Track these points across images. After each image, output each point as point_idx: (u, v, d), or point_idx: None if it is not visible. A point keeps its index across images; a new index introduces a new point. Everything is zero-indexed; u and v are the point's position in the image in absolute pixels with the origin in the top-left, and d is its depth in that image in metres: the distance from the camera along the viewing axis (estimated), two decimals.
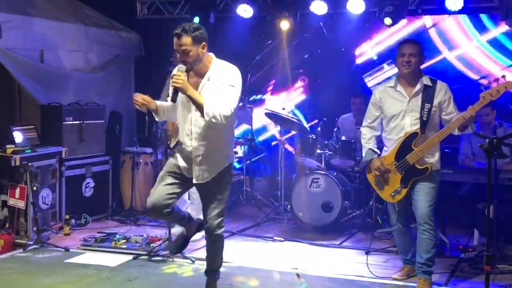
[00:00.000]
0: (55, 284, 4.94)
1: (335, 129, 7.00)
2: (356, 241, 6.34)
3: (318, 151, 6.83)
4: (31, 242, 5.99)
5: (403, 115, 4.76)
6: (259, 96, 8.54)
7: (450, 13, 6.94)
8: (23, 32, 6.64)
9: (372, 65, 8.10)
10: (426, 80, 4.77)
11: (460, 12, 6.81)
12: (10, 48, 6.51)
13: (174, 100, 4.12)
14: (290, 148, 7.98)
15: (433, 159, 4.74)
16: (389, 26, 6.91)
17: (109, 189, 7.43)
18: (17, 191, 6.11)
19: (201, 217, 4.64)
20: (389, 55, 7.86)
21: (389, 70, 7.93)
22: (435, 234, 4.75)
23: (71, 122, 6.84)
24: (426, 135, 4.68)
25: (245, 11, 7.64)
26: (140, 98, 4.25)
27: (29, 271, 5.29)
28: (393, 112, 4.81)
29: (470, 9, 6.93)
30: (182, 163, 4.25)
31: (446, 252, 5.74)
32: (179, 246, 4.64)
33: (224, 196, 4.27)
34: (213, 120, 3.98)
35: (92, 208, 7.08)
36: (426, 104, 4.68)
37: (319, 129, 6.91)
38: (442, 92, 4.72)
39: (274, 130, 8.37)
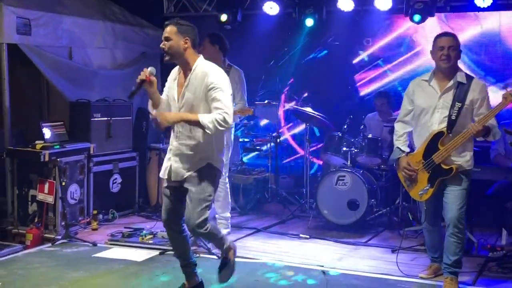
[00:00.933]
0: (83, 278, 5.01)
1: (362, 127, 6.98)
2: (383, 239, 6.30)
3: (344, 148, 6.81)
4: (60, 237, 6.08)
5: (432, 111, 4.64)
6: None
7: (479, 10, 6.85)
8: (51, 29, 6.72)
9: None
10: (460, 77, 4.60)
11: (488, 9, 6.72)
12: (39, 45, 6.60)
13: (131, 97, 4.23)
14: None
15: (462, 159, 4.60)
16: (418, 23, 6.83)
17: (135, 185, 7.50)
18: (46, 186, 6.19)
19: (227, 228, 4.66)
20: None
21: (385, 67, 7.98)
22: (463, 237, 4.66)
23: (99, 119, 6.91)
24: (453, 135, 4.54)
25: (271, 8, 7.65)
26: (146, 73, 4.18)
27: (57, 265, 5.36)
28: (423, 107, 4.68)
29: (499, 6, 6.82)
30: (164, 163, 4.33)
31: (474, 251, 5.68)
32: (227, 274, 4.49)
33: (204, 196, 4.16)
34: (220, 128, 4.01)
35: (118, 204, 7.16)
36: (457, 103, 4.53)
37: (345, 126, 6.89)
38: (475, 90, 4.56)
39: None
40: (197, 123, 4.02)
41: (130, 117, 7.40)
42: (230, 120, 4.03)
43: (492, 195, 6.00)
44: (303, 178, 7.48)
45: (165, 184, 4.33)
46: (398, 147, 4.87)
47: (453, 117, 4.54)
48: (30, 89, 7.46)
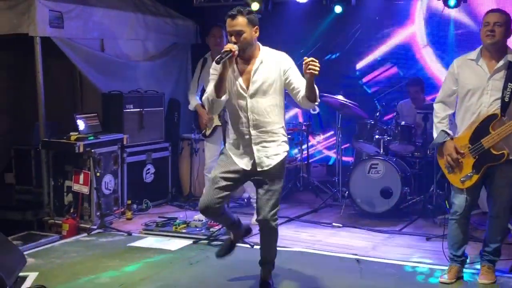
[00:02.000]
0: (119, 267, 5.07)
1: (394, 114, 6.91)
2: (416, 227, 6.24)
3: (377, 136, 6.75)
4: (95, 227, 6.18)
5: (480, 92, 4.35)
6: None
7: None
8: (83, 21, 6.78)
9: None
10: (511, 56, 4.31)
11: None
12: (71, 38, 6.67)
13: (218, 62, 3.84)
14: None
15: (509, 146, 4.33)
16: (453, 7, 6.70)
17: (168, 175, 7.55)
18: (81, 177, 6.28)
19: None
20: None
21: None
22: (507, 226, 4.54)
23: (131, 110, 6.97)
24: (507, 118, 4.29)
25: None
26: (233, 47, 3.93)
27: (93, 254, 5.45)
28: (469, 87, 4.39)
29: None
30: (237, 158, 4.17)
31: (510, 238, 5.58)
32: (225, 252, 4.61)
33: (279, 186, 4.16)
34: (315, 106, 4.05)
35: (152, 194, 7.22)
36: (509, 84, 4.26)
37: (377, 114, 6.83)
38: None
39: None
40: (314, 92, 3.93)
41: (162, 108, 7.45)
42: None
43: None
44: (335, 167, 7.44)
45: (222, 173, 4.15)
46: (443, 130, 4.54)
47: (506, 99, 4.27)
48: (63, 82, 7.57)
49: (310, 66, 3.77)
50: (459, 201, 4.55)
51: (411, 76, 7.69)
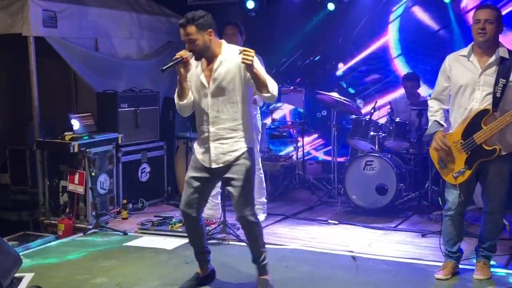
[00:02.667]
0: (115, 267, 5.07)
1: (389, 110, 6.92)
2: (412, 223, 6.25)
3: (372, 133, 6.76)
4: (91, 227, 6.17)
5: (472, 88, 4.37)
6: None
7: None
8: (77, 21, 6.78)
9: None
10: (503, 52, 4.30)
11: None
12: (65, 37, 6.66)
13: (163, 70, 3.98)
14: None
15: (504, 141, 4.36)
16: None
17: (164, 174, 7.54)
18: (76, 176, 6.27)
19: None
20: None
21: None
22: (502, 222, 4.55)
23: (126, 109, 6.95)
24: (499, 113, 4.28)
25: None
26: (186, 53, 4.06)
27: (89, 254, 5.44)
28: (461, 83, 4.39)
29: None
30: (199, 154, 4.23)
31: (506, 233, 5.60)
32: (189, 285, 4.49)
33: (246, 182, 4.15)
34: (271, 98, 4.02)
35: (148, 193, 7.21)
36: (501, 79, 4.27)
37: (372, 110, 6.84)
38: None
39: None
40: (262, 83, 3.95)
41: (157, 107, 7.43)
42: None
43: None
44: (331, 164, 7.45)
45: (192, 174, 4.27)
46: (436, 121, 4.56)
47: (498, 95, 4.27)
48: (57, 82, 7.57)
49: (243, 56, 3.83)
50: (452, 197, 4.55)
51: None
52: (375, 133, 6.75)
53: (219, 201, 6.29)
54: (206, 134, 4.18)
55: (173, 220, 6.19)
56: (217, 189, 6.36)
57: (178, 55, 4.04)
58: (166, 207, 7.24)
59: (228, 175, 4.17)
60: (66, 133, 6.36)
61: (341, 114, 7.43)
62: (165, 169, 7.54)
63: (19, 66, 6.91)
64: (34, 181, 6.77)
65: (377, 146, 6.74)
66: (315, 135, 8.51)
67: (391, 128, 6.73)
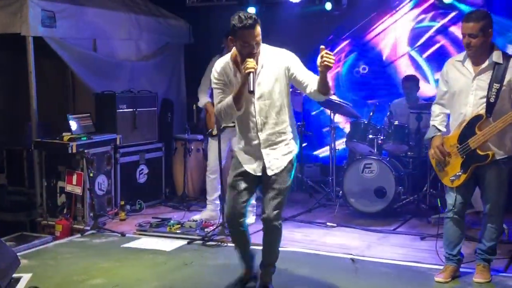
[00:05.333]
0: (113, 268, 5.04)
1: (388, 113, 6.92)
2: (411, 227, 6.24)
3: (370, 136, 6.75)
4: (88, 228, 6.15)
5: (466, 93, 4.40)
6: None
7: None
8: (76, 21, 6.76)
9: None
10: (496, 57, 4.32)
11: None
12: (64, 38, 6.64)
13: (251, 91, 3.84)
14: None
15: (502, 145, 4.39)
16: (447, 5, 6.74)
17: (162, 176, 7.52)
18: (74, 177, 6.25)
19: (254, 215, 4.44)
20: None
21: None
22: (502, 224, 4.56)
23: (124, 110, 6.94)
24: (493, 119, 4.31)
25: None
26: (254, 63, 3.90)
27: (87, 255, 5.41)
28: (456, 88, 4.43)
29: None
30: (247, 162, 4.13)
31: (505, 237, 5.59)
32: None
33: (286, 186, 4.11)
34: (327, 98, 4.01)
35: (145, 194, 7.19)
36: (495, 84, 4.28)
37: (371, 113, 6.84)
38: None
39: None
40: (327, 84, 3.85)
41: (156, 108, 7.42)
42: None
43: None
44: (329, 167, 7.44)
45: (238, 176, 4.13)
46: (434, 125, 4.61)
47: (492, 100, 4.30)
48: (55, 82, 7.55)
49: (325, 59, 3.70)
50: (451, 199, 4.60)
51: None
52: (373, 136, 6.74)
53: (219, 203, 6.27)
54: (256, 141, 4.07)
55: (171, 221, 6.17)
56: (218, 192, 6.35)
57: (251, 68, 3.84)
58: (164, 208, 7.22)
59: (271, 176, 4.09)
60: (64, 134, 6.34)
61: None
62: (163, 170, 7.52)
63: (17, 66, 6.88)
64: (31, 181, 6.74)
65: (375, 149, 6.73)
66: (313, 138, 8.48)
67: (390, 131, 6.73)
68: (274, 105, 4.04)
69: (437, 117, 4.65)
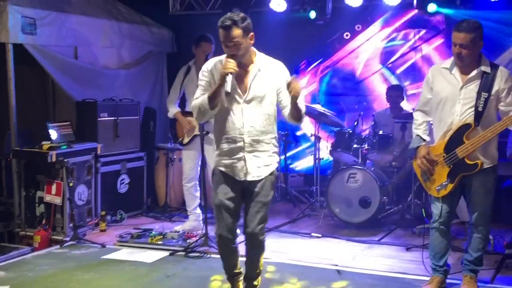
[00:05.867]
0: (93, 280, 4.92)
1: (372, 123, 6.89)
2: (396, 237, 6.20)
3: (355, 145, 6.71)
4: (68, 239, 6.01)
5: (453, 102, 4.35)
6: None
7: (493, 8, 6.67)
8: (57, 28, 6.63)
9: None
10: (484, 66, 4.31)
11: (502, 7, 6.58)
12: (44, 45, 6.52)
13: (228, 93, 3.79)
14: None
15: (488, 154, 4.37)
16: (432, 14, 6.74)
17: (143, 186, 7.40)
18: (54, 187, 6.10)
19: None
20: None
21: None
22: (488, 234, 4.52)
23: (106, 118, 6.82)
24: (481, 128, 4.29)
25: (278, 5, 7.56)
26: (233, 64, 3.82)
27: (66, 267, 5.28)
28: (442, 96, 4.38)
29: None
30: (228, 167, 4.03)
31: (490, 247, 5.56)
32: None
33: (269, 200, 4.05)
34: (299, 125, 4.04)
35: (126, 205, 7.06)
36: (483, 93, 4.26)
37: (356, 123, 6.80)
38: (502, 79, 4.29)
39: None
40: (299, 111, 3.91)
41: (138, 117, 7.31)
42: None
43: (506, 190, 5.90)
44: (313, 177, 7.38)
45: (223, 196, 4.02)
46: (418, 135, 4.55)
47: (480, 109, 4.27)
48: (35, 90, 7.41)
49: (294, 90, 3.74)
50: (436, 209, 4.54)
51: None
52: (358, 146, 6.70)
53: (201, 213, 6.18)
54: (240, 144, 3.97)
55: (153, 232, 6.06)
56: (197, 201, 6.28)
57: (230, 69, 3.78)
58: (145, 219, 7.10)
59: (253, 188, 4.01)
60: (44, 142, 6.20)
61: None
62: (144, 180, 7.40)
63: None
64: (10, 191, 6.58)
65: (360, 158, 6.69)
66: (299, 147, 8.43)
67: (374, 141, 6.69)
68: (263, 112, 3.98)
69: (420, 126, 4.60)
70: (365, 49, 7.97)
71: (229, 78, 3.80)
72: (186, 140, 6.21)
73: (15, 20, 6.11)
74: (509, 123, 4.21)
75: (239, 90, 3.95)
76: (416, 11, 7.30)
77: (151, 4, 8.28)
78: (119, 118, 6.95)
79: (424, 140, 4.54)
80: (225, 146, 4.03)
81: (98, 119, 6.72)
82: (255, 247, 4.16)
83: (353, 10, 7.40)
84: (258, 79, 3.96)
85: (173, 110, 6.39)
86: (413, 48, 7.72)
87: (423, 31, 7.64)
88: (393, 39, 7.85)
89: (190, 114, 5.89)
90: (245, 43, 3.85)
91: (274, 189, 4.14)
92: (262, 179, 4.01)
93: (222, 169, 4.06)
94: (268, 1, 7.61)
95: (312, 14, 7.33)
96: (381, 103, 7.62)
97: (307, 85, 8.22)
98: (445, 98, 4.40)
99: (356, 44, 7.98)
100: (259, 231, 4.04)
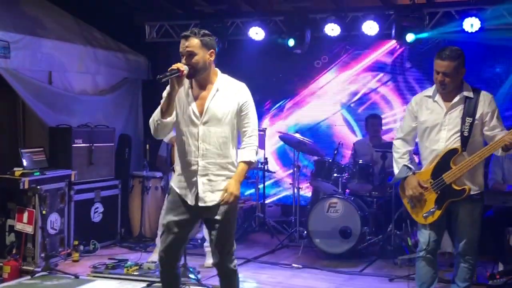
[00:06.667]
0: None
1: (352, 152, 6.85)
2: (377, 268, 6.11)
3: (335, 175, 6.64)
4: (39, 269, 5.74)
5: (438, 128, 4.33)
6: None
7: (468, 34, 6.78)
8: (31, 52, 6.46)
9: None
10: (467, 92, 4.33)
11: (478, 33, 6.67)
12: (18, 69, 6.34)
13: (160, 79, 3.64)
14: None
15: (475, 181, 4.32)
16: (410, 44, 6.81)
17: (118, 215, 7.18)
18: (25, 215, 5.84)
19: None
20: None
21: None
22: (475, 263, 4.44)
23: (80, 145, 6.64)
24: (468, 153, 4.25)
25: (256, 33, 7.54)
26: (183, 67, 3.72)
27: None
28: (427, 125, 4.37)
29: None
30: (182, 189, 3.88)
31: (473, 279, 5.50)
32: None
33: (231, 226, 3.91)
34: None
35: (100, 234, 6.82)
36: (467, 118, 4.25)
37: (335, 152, 6.74)
38: (484, 103, 4.28)
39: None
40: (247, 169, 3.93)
41: (113, 144, 7.13)
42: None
43: (489, 220, 5.86)
44: (290, 207, 7.27)
45: (172, 217, 3.88)
46: (405, 165, 4.47)
47: (466, 134, 4.25)
48: (5, 115, 7.17)
49: (226, 199, 3.78)
50: (423, 237, 4.44)
51: None
52: (338, 175, 6.63)
53: None
54: (194, 167, 3.83)
55: (129, 263, 5.83)
56: None
57: (174, 66, 3.69)
58: (119, 249, 6.87)
59: (211, 216, 3.85)
60: (15, 169, 5.97)
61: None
62: (119, 209, 7.19)
63: None
64: None
65: (340, 188, 6.62)
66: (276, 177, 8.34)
67: (354, 170, 6.64)
68: (220, 135, 3.84)
69: (404, 155, 4.52)
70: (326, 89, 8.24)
71: (170, 73, 3.66)
72: None
73: None
74: (496, 147, 4.18)
75: (197, 111, 3.83)
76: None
77: (127, 31, 8.16)
78: (94, 144, 6.77)
79: (410, 169, 4.46)
80: (181, 169, 3.91)
81: (73, 145, 6.54)
82: (228, 278, 3.99)
83: (331, 39, 7.43)
84: (216, 100, 3.84)
85: (169, 134, 6.22)
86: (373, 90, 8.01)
87: (381, 74, 7.97)
88: (353, 81, 8.16)
89: None
90: (202, 55, 3.75)
91: (235, 214, 3.95)
92: (219, 205, 3.83)
93: (177, 190, 3.93)
94: (246, 30, 7.59)
95: (291, 42, 7.31)
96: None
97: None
98: (431, 126, 4.38)
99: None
100: (227, 258, 3.89)
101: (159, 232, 6.08)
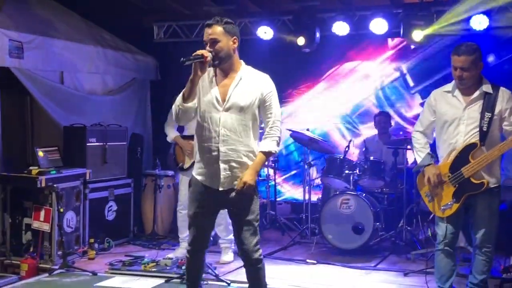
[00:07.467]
0: None
1: (363, 149, 6.91)
2: (391, 263, 6.16)
3: (346, 171, 6.70)
4: (57, 267, 5.78)
5: (457, 123, 4.40)
6: None
7: (474, 32, 6.86)
8: (43, 53, 6.51)
9: None
10: (486, 87, 4.37)
11: (484, 31, 6.75)
12: (30, 69, 6.38)
13: (184, 62, 3.69)
14: None
15: (493, 174, 4.39)
16: (419, 43, 6.88)
17: (131, 213, 7.23)
18: (42, 213, 5.89)
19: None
20: None
21: None
22: (493, 256, 4.49)
23: (94, 144, 6.67)
24: (486, 147, 4.33)
25: (265, 33, 7.60)
26: (207, 53, 3.77)
27: None
28: (446, 119, 4.44)
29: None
30: (202, 176, 3.96)
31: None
32: None
33: (255, 215, 3.96)
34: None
35: (113, 232, 6.87)
36: (486, 113, 4.32)
37: (347, 149, 6.80)
38: (503, 99, 4.36)
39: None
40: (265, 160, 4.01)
41: (125, 142, 7.17)
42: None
43: (502, 214, 5.91)
44: (300, 204, 7.32)
45: (195, 209, 3.96)
46: (429, 153, 4.54)
47: (485, 128, 4.32)
48: (15, 114, 7.18)
49: (246, 191, 3.86)
50: (441, 230, 4.51)
51: None
52: (349, 172, 6.69)
53: None
54: (215, 153, 3.89)
55: (145, 259, 5.90)
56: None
57: (199, 52, 3.74)
58: (133, 247, 6.90)
59: (236, 206, 3.93)
60: (31, 167, 6.01)
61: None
62: (131, 208, 7.23)
63: None
64: None
65: (351, 184, 6.67)
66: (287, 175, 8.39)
67: (365, 166, 6.69)
68: (241, 123, 3.90)
69: (426, 145, 4.61)
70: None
71: (194, 57, 3.70)
72: (187, 164, 6.03)
73: (2, 44, 5.96)
74: None
75: (219, 98, 3.89)
76: None
77: (135, 32, 8.22)
78: (108, 143, 6.81)
79: (433, 157, 4.53)
80: (202, 155, 3.98)
81: (87, 144, 6.57)
82: (254, 267, 4.04)
83: (340, 39, 7.49)
84: (238, 88, 3.90)
85: (172, 134, 6.28)
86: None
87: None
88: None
89: (189, 138, 5.79)
90: (225, 42, 3.82)
91: (257, 204, 4.01)
92: (237, 193, 3.90)
93: (199, 178, 3.99)
94: (254, 29, 7.64)
95: (301, 41, 7.37)
96: None
97: None
98: (450, 120, 4.45)
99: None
100: (253, 248, 3.94)
101: (181, 228, 6.15)
